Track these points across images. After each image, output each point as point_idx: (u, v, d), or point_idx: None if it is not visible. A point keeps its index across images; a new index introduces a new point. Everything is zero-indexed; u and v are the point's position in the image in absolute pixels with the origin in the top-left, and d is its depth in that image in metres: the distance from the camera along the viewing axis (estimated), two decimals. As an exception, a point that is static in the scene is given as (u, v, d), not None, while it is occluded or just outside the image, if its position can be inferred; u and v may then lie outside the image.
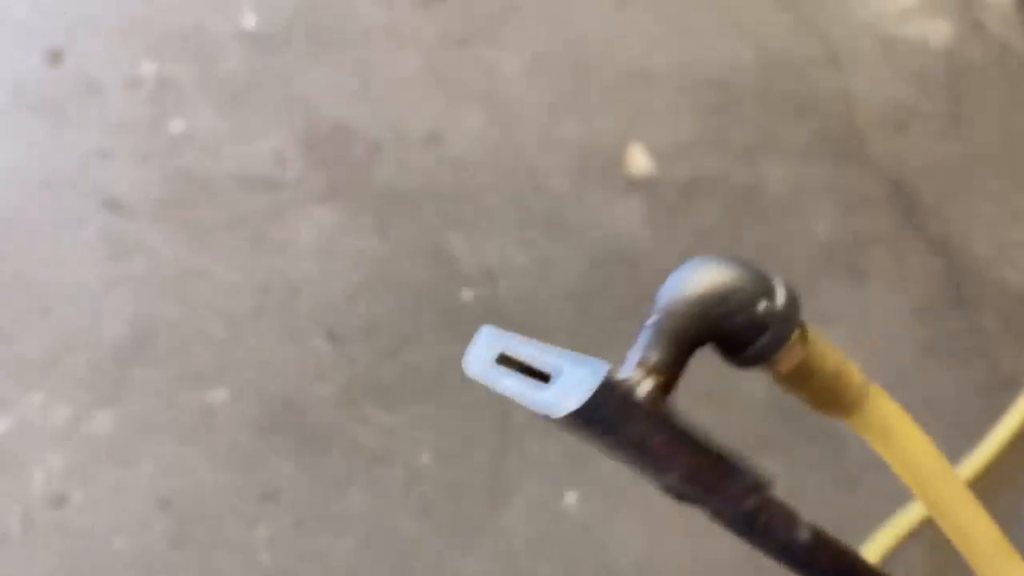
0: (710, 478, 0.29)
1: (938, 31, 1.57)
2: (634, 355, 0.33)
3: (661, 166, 1.39)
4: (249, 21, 1.44)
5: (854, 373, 0.35)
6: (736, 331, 0.30)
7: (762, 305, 0.29)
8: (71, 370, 1.13)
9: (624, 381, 0.30)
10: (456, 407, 1.16)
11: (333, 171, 1.33)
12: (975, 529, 0.33)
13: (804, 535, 0.32)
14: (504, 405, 1.17)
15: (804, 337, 0.33)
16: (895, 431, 0.34)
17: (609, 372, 0.28)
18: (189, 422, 1.12)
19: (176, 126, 1.33)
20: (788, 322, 0.30)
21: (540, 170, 1.36)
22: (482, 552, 1.08)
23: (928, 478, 0.34)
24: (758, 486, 0.29)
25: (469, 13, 1.51)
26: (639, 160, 1.40)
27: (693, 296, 0.30)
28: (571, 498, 1.12)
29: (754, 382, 1.04)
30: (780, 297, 0.30)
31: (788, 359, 0.32)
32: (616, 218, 1.33)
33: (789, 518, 0.31)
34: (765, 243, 1.34)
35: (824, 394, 0.35)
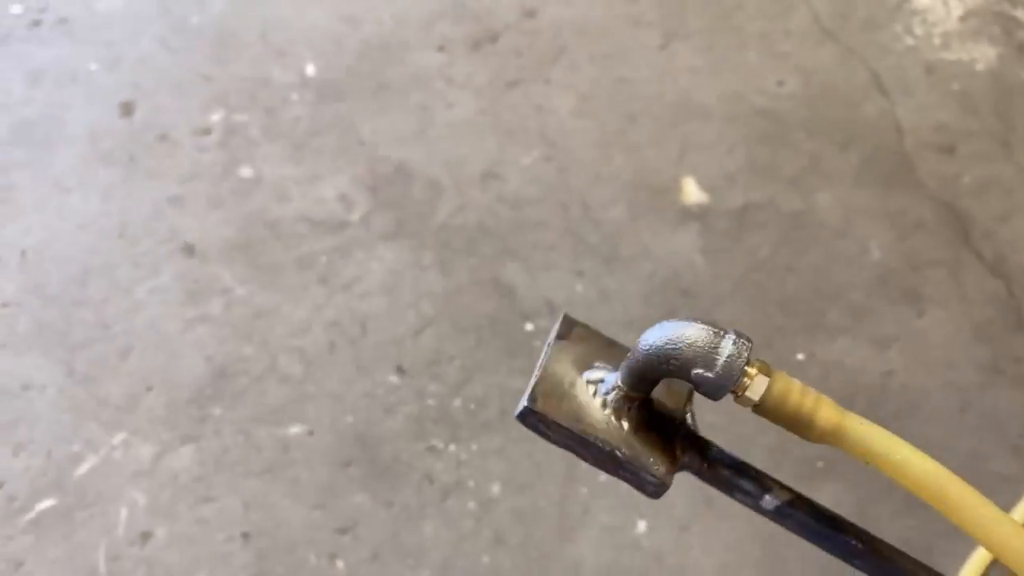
0: (608, 466, 0.43)
1: (982, 54, 1.59)
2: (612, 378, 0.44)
3: (713, 196, 1.42)
4: (310, 71, 1.50)
5: (822, 407, 0.40)
6: (688, 376, 0.39)
7: (705, 361, 0.38)
8: (152, 410, 1.18)
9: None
10: (525, 438, 1.18)
11: (396, 211, 1.37)
12: (968, 503, 0.39)
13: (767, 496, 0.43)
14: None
15: (768, 376, 0.40)
16: (878, 448, 0.39)
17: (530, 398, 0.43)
18: (267, 457, 1.15)
19: (245, 172, 1.39)
20: (729, 373, 0.38)
21: (594, 204, 1.40)
22: (555, 580, 1.10)
23: (919, 477, 0.39)
24: (646, 475, 0.42)
25: (519, 56, 1.55)
26: (691, 191, 1.42)
27: (653, 347, 0.40)
28: (641, 527, 1.14)
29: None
30: (723, 354, 0.38)
31: (743, 399, 0.40)
32: (671, 248, 1.36)
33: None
34: (819, 267, 1.35)
35: (794, 425, 0.41)
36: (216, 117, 1.44)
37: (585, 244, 1.36)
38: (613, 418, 0.43)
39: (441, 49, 1.55)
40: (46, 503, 1.11)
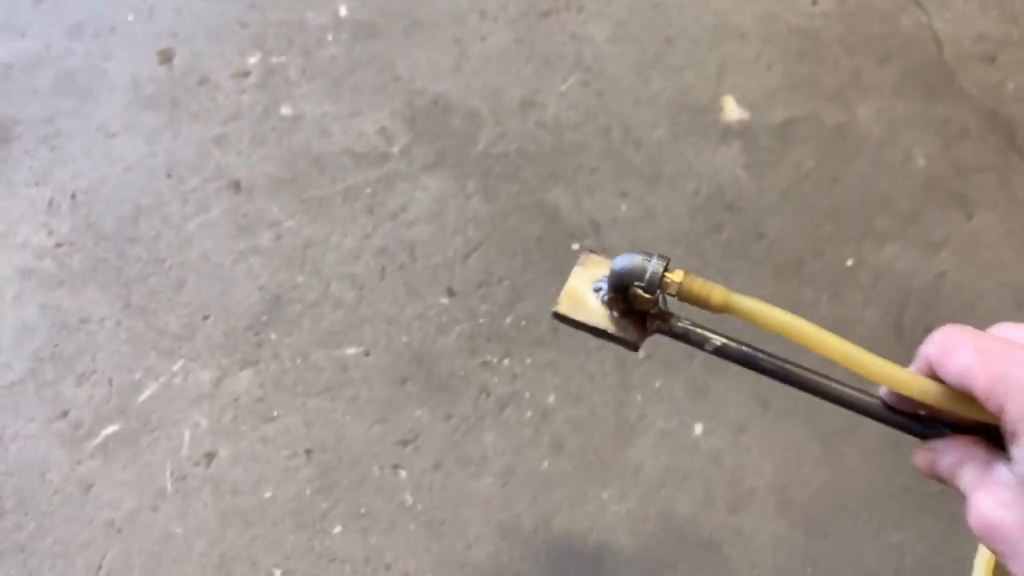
0: (606, 339, 0.65)
1: (1019, -36, 1.57)
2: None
3: (754, 113, 1.41)
4: (343, 11, 1.51)
5: (715, 291, 0.60)
6: (636, 283, 0.63)
7: (640, 275, 0.62)
8: (209, 337, 1.19)
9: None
10: (577, 352, 1.18)
11: (436, 142, 1.38)
12: (832, 344, 0.54)
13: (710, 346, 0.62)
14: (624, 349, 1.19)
15: (679, 278, 0.61)
16: (756, 311, 0.57)
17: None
18: (326, 378, 1.16)
19: (285, 110, 1.40)
20: (653, 280, 0.61)
21: (635, 126, 1.39)
22: (617, 484, 1.10)
23: (787, 326, 0.55)
24: (626, 339, 0.65)
25: (550, -13, 1.55)
26: (732, 109, 1.42)
27: (614, 271, 0.63)
28: (698, 429, 1.14)
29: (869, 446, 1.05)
30: (649, 270, 0.61)
31: (669, 292, 0.61)
32: (714, 165, 1.36)
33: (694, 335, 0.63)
34: (864, 177, 1.34)
35: (702, 304, 0.60)
36: (254, 60, 1.46)
37: (628, 165, 1.36)
38: (606, 310, 0.68)
39: (472, -15, 1.56)
40: (111, 428, 1.13)
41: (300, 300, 1.22)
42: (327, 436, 1.12)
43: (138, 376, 1.16)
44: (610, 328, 0.71)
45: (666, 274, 0.64)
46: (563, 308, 0.71)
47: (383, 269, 1.26)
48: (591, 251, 0.73)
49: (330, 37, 1.48)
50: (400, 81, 1.44)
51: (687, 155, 1.37)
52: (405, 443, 1.12)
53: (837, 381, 0.62)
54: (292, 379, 1.16)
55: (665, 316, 0.69)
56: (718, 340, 0.67)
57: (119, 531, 1.06)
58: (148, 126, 1.38)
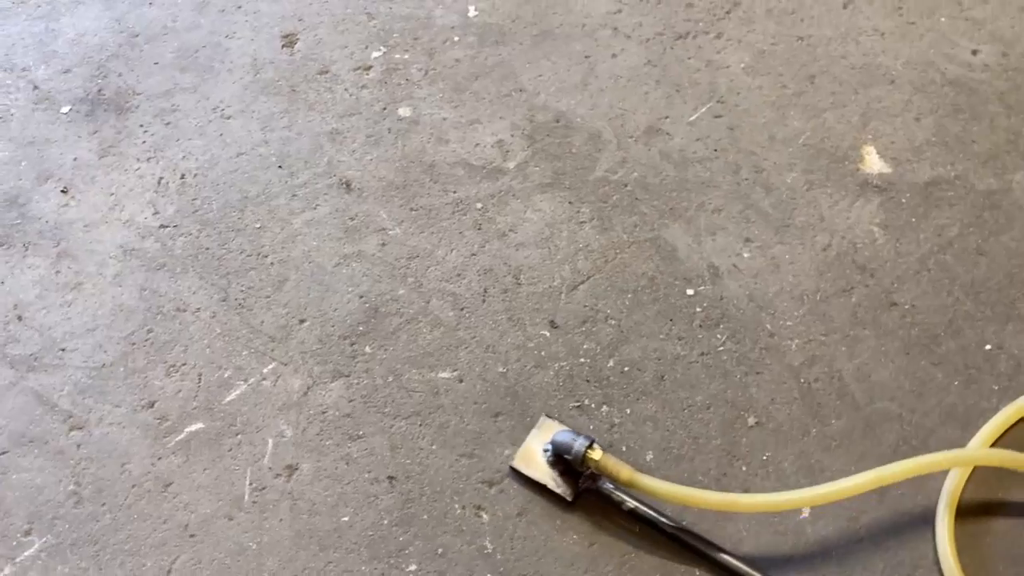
0: (547, 491, 1.05)
1: None
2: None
3: (897, 168, 1.31)
4: (472, 12, 1.45)
5: (623, 469, 0.97)
6: (566, 455, 0.99)
7: (569, 451, 0.99)
8: (304, 342, 1.16)
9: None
10: (681, 408, 1.11)
11: (554, 161, 1.31)
12: (698, 496, 0.97)
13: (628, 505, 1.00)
14: (735, 410, 1.12)
15: (597, 456, 0.98)
16: (655, 489, 0.96)
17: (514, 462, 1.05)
18: (416, 400, 1.12)
19: (404, 111, 1.35)
20: (578, 456, 0.98)
21: (767, 167, 1.31)
22: (707, 562, 1.03)
23: (682, 497, 0.96)
24: (561, 494, 1.03)
25: (690, 7, 1.47)
26: (873, 161, 1.32)
27: (553, 443, 1.01)
28: (805, 513, 1.06)
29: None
30: (576, 448, 0.98)
31: (588, 466, 0.98)
32: (849, 220, 1.26)
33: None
34: (1013, 252, 1.23)
35: (613, 478, 0.97)
36: (377, 54, 1.41)
37: (755, 209, 1.27)
38: (550, 469, 1.01)
39: (608, -3, 1.48)
40: (195, 426, 1.10)
41: (399, 314, 1.18)
42: (411, 464, 1.08)
43: (227, 374, 1.14)
44: (549, 484, 1.02)
45: (588, 452, 0.98)
46: (518, 463, 1.04)
47: (486, 291, 1.20)
48: (547, 415, 1.06)
49: (456, 38, 1.43)
50: (523, 93, 1.38)
51: (820, 205, 1.28)
52: (491, 483, 1.07)
53: (726, 551, 0.99)
54: (382, 397, 1.12)
55: (595, 478, 1.01)
56: (631, 503, 1.00)
57: (192, 536, 1.03)
58: (264, 112, 1.35)
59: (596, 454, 0.99)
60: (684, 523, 1.00)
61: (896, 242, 1.24)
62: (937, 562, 1.02)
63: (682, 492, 0.99)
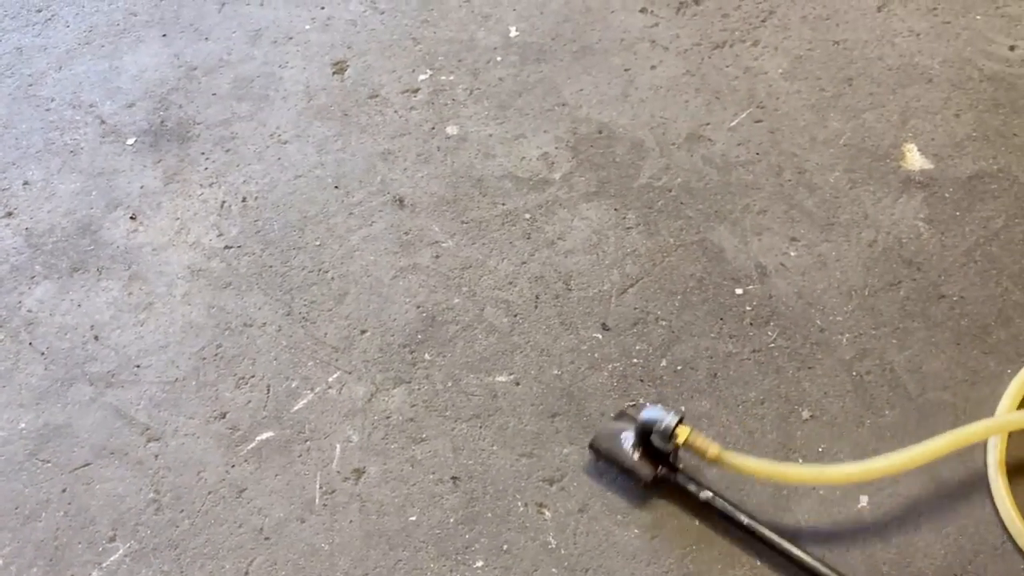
0: (625, 472, 1.07)
1: None
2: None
3: (939, 164, 1.33)
4: (513, 33, 1.50)
5: (711, 446, 0.99)
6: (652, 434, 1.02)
7: (655, 429, 1.00)
8: (366, 351, 1.20)
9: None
10: (736, 404, 1.13)
11: (598, 171, 1.35)
12: (792, 472, 1.00)
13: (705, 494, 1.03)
14: (789, 405, 1.13)
15: (686, 433, 1.00)
16: (744, 466, 0.99)
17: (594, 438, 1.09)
18: (476, 403, 1.15)
19: (451, 130, 1.40)
20: (665, 434, 0.99)
21: (809, 168, 1.33)
22: (768, 554, 1.05)
23: (769, 473, 0.98)
24: (638, 477, 1.05)
25: (725, 17, 1.51)
26: (915, 158, 1.34)
27: (639, 421, 1.02)
28: (863, 501, 1.07)
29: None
30: (663, 424, 0.99)
31: (678, 442, 1.00)
32: (893, 216, 1.28)
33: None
34: (1062, 244, 1.24)
35: (701, 454, 1.00)
36: (423, 77, 1.47)
37: (800, 209, 1.30)
38: (630, 451, 1.04)
39: (644, 11, 1.53)
40: (266, 434, 1.15)
41: (455, 322, 1.22)
42: (474, 464, 1.11)
43: (295, 384, 1.18)
44: (627, 463, 1.04)
45: (677, 429, 0.99)
46: (598, 444, 1.07)
47: (537, 297, 1.24)
48: (630, 404, 1.10)
49: (499, 58, 1.48)
50: (566, 107, 1.42)
51: (864, 203, 1.30)
52: (551, 481, 1.09)
53: (805, 551, 0.99)
54: (443, 401, 1.16)
55: (672, 466, 1.04)
56: (707, 493, 1.02)
57: (267, 539, 1.07)
58: (319, 136, 1.41)
59: (685, 430, 1.00)
60: (752, 514, 1.02)
61: (941, 235, 1.26)
62: (1000, 523, 1.03)
63: (770, 468, 0.99)
